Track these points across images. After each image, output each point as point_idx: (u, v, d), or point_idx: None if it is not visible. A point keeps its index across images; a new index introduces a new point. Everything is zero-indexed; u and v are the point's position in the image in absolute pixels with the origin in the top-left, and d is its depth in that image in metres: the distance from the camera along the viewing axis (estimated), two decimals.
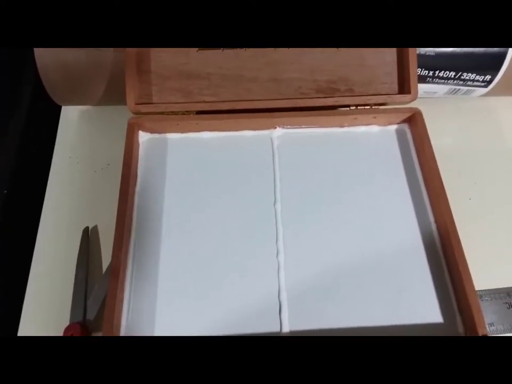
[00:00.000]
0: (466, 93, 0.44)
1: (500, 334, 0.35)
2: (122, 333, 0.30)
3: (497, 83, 0.42)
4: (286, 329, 0.31)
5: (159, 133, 0.38)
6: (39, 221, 0.40)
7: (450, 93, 0.44)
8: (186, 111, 0.37)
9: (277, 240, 0.34)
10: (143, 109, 0.36)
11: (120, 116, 0.38)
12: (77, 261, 0.37)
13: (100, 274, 0.37)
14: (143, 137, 0.38)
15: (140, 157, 0.37)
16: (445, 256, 0.33)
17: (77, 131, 0.45)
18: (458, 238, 0.32)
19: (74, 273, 0.36)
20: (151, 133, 0.38)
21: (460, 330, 0.31)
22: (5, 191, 0.40)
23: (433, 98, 0.46)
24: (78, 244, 0.38)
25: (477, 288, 0.36)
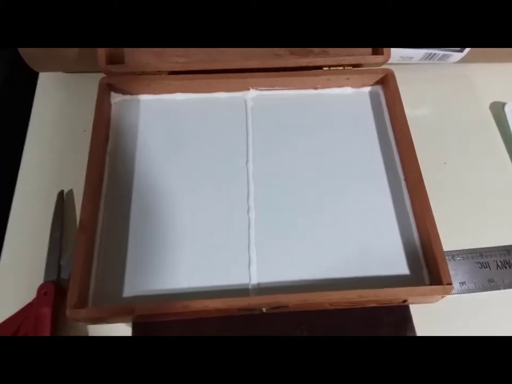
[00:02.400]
0: (442, 58, 0.44)
1: (471, 292, 0.36)
2: (91, 287, 0.31)
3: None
4: (255, 281, 0.31)
5: (131, 94, 0.38)
6: (15, 185, 0.40)
7: (427, 58, 0.44)
8: (158, 71, 0.37)
9: (248, 198, 0.34)
10: (114, 68, 0.36)
11: (96, 83, 0.38)
12: (52, 223, 0.37)
13: (75, 236, 0.37)
14: (115, 98, 0.38)
15: (112, 118, 0.37)
16: (413, 211, 0.34)
17: (54, 98, 0.45)
18: (426, 194, 0.33)
19: (49, 234, 0.37)
20: (123, 94, 0.38)
21: (426, 282, 0.31)
22: None
23: (411, 65, 0.46)
24: (54, 207, 0.38)
25: (449, 249, 0.36)
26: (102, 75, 0.37)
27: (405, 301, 0.30)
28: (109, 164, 0.35)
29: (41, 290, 0.34)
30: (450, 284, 0.29)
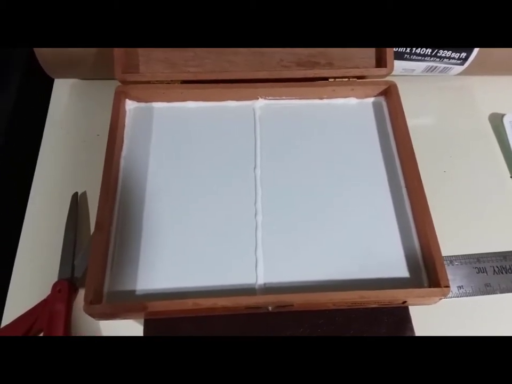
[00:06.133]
0: (443, 70, 0.46)
1: (469, 296, 0.37)
2: (106, 284, 0.32)
3: (473, 60, 0.44)
4: (261, 281, 0.32)
5: (146, 101, 0.40)
6: (30, 187, 0.41)
7: (428, 70, 0.46)
8: (171, 80, 0.39)
9: (255, 202, 0.36)
10: (130, 77, 0.38)
11: (109, 89, 0.40)
12: (66, 223, 0.39)
13: (88, 236, 0.39)
14: (130, 105, 0.40)
15: (126, 124, 0.39)
16: (413, 217, 0.35)
17: (68, 104, 0.46)
18: (426, 201, 0.34)
19: (63, 235, 0.38)
20: (137, 101, 0.40)
21: (425, 284, 0.33)
22: None
23: (413, 76, 0.47)
24: (68, 208, 0.39)
25: (448, 254, 0.38)
26: (114, 82, 0.39)
27: (405, 302, 0.32)
28: (123, 167, 0.37)
29: (56, 287, 0.35)
30: (448, 286, 0.31)
